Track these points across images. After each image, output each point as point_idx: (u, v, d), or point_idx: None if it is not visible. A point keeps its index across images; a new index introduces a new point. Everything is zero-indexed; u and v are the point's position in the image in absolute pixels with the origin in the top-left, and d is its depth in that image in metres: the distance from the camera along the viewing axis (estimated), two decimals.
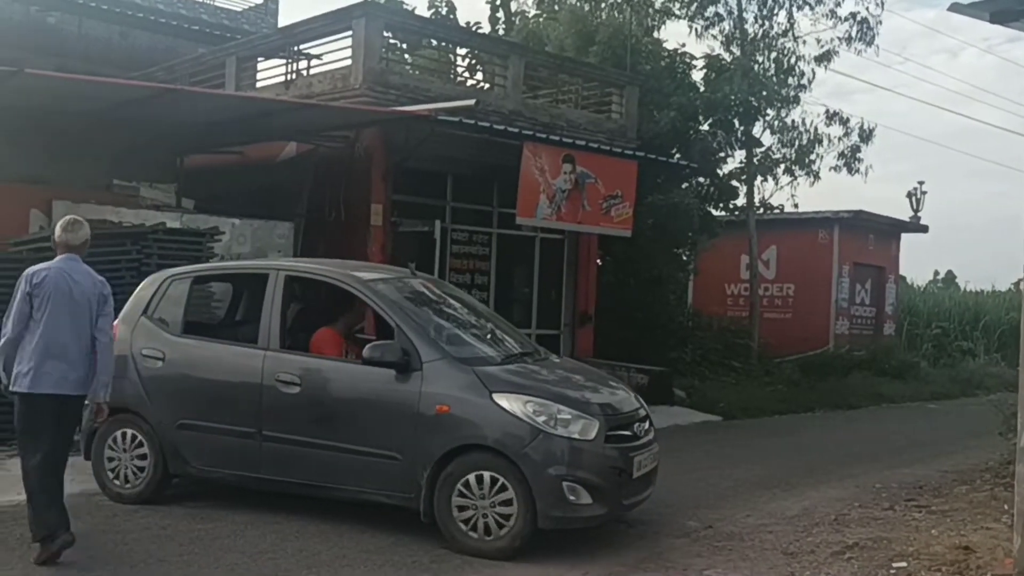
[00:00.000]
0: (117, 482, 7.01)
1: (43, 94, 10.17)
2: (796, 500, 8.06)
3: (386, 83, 12.28)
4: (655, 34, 18.52)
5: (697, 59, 18.04)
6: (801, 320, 20.78)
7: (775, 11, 17.84)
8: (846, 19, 17.89)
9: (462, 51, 16.01)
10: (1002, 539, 6.27)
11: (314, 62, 13.80)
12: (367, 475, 6.30)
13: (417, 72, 14.60)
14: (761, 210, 19.27)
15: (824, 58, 18.22)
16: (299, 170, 12.89)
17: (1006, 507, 7.38)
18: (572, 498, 5.90)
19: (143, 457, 6.94)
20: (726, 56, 18.15)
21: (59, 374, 5.45)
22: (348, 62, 12.41)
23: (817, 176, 19.03)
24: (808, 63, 18.19)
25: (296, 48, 13.71)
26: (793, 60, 18.01)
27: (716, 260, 19.73)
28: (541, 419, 5.98)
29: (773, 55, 18.05)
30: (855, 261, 21.83)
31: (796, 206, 20.03)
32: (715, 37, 18.33)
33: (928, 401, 18.27)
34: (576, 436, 6.00)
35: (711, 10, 17.99)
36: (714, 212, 18.58)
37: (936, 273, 45.33)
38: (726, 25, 18.13)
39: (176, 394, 6.92)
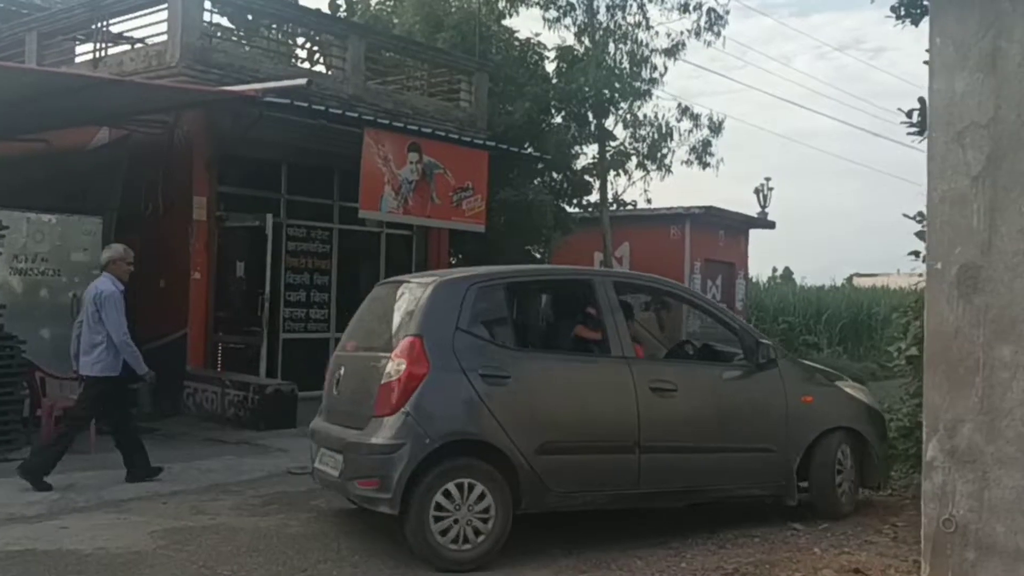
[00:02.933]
0: (449, 543, 5.58)
1: None
2: (664, 519, 7.26)
3: (208, 62, 11.04)
4: (506, 21, 17.83)
5: (550, 50, 17.60)
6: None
7: (627, 1, 17.44)
8: (695, 8, 17.70)
9: (299, 32, 14.81)
10: (890, 556, 5.76)
11: (126, 37, 12.37)
12: (745, 471, 6.70)
13: (247, 49, 13.32)
14: (614, 206, 18.94)
15: (674, 51, 17.98)
16: (111, 158, 11.54)
17: (886, 516, 6.97)
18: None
19: (486, 509, 5.66)
20: (579, 47, 17.68)
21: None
22: (164, 38, 11.10)
23: (669, 170, 18.87)
24: (660, 55, 17.93)
25: (105, 23, 12.21)
26: (647, 52, 17.68)
27: (570, 257, 19.06)
28: (869, 400, 7.39)
29: (627, 47, 17.63)
30: (706, 257, 21.80)
31: (649, 201, 20.06)
32: (567, 28, 17.87)
33: None
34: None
35: None
36: (568, 208, 18.18)
37: (775, 269, 46.49)
38: (578, 15, 17.64)
39: (534, 416, 5.98)
